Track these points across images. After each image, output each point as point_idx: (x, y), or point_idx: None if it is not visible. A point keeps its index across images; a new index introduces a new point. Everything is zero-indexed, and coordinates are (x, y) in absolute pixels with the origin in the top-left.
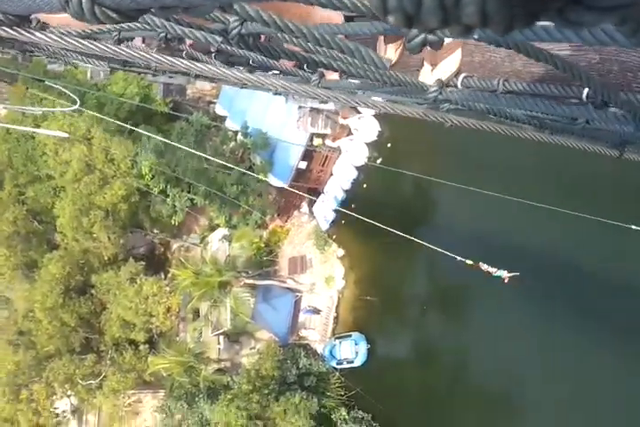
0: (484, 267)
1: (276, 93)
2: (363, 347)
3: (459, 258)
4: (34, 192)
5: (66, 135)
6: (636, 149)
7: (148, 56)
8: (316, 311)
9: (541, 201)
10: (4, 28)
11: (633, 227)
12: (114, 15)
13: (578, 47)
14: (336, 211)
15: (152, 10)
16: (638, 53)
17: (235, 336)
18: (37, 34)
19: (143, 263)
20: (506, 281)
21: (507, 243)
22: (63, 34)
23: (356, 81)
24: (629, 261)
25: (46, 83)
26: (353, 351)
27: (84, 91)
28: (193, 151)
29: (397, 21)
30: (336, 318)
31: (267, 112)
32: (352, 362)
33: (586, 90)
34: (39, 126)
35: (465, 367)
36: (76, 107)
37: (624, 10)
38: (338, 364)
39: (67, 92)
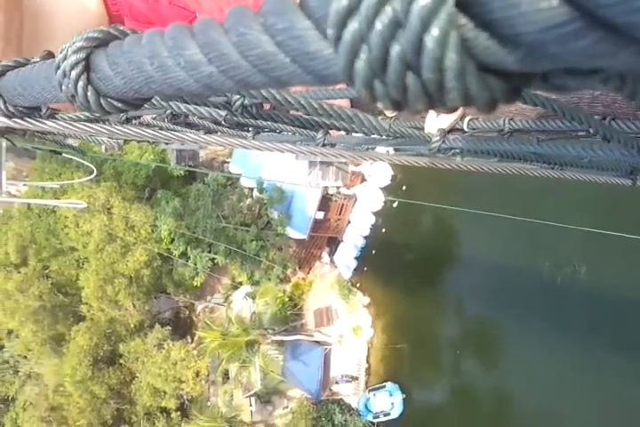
0: None
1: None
2: (398, 397)
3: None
4: (57, 265)
5: (84, 205)
6: None
7: (157, 134)
8: (352, 379)
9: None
10: (15, 119)
11: None
12: (119, 105)
13: None
14: (357, 258)
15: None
16: None
17: (266, 397)
18: (48, 122)
19: (169, 328)
20: None
21: (536, 273)
22: (72, 119)
23: (361, 135)
24: None
25: (64, 155)
26: (389, 403)
27: (101, 161)
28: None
29: (386, 107)
30: (368, 369)
31: (280, 166)
32: (389, 414)
33: None
34: (59, 200)
35: (505, 410)
36: (94, 175)
37: (604, 73)
38: (374, 418)
39: (84, 162)
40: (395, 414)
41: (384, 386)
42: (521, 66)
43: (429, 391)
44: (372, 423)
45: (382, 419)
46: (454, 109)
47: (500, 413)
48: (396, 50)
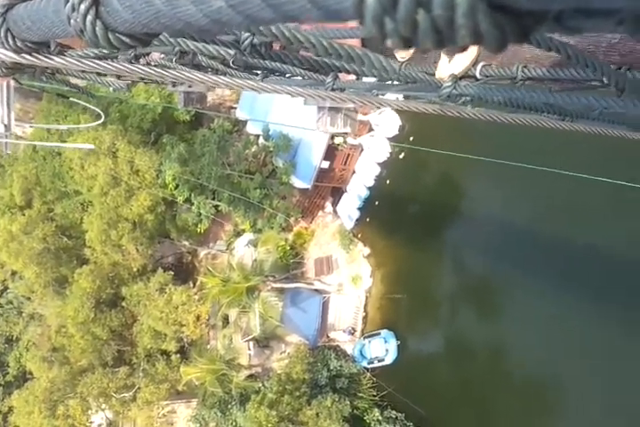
0: None
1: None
2: (393, 344)
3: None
4: (62, 208)
5: (91, 147)
6: None
7: (164, 73)
8: (354, 331)
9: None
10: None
11: None
12: (127, 40)
13: None
14: (360, 209)
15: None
16: None
17: (265, 341)
18: (56, 58)
19: (172, 273)
20: None
21: (536, 223)
22: (81, 56)
23: (371, 79)
24: None
25: (70, 99)
26: (383, 349)
27: (107, 104)
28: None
29: (395, 44)
30: (365, 318)
31: (287, 114)
32: (383, 360)
33: None
34: (65, 142)
35: (499, 361)
36: (101, 121)
37: (619, 14)
38: (369, 363)
39: (91, 106)
40: (389, 360)
41: (379, 333)
42: (531, 3)
43: (424, 341)
44: (367, 369)
45: (376, 365)
46: (464, 49)
47: (493, 363)
48: None
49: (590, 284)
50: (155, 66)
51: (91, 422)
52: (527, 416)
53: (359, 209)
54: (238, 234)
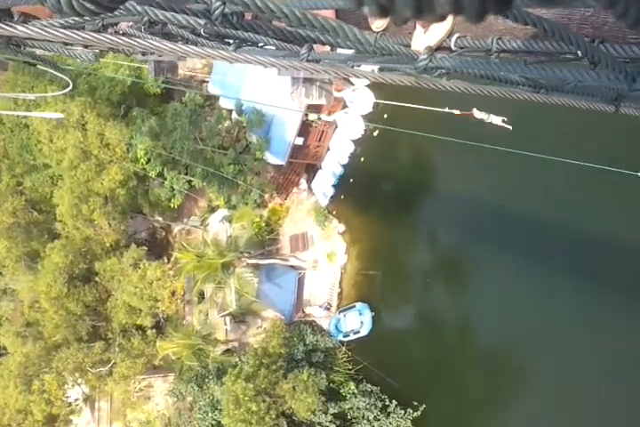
0: (477, 114)
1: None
2: (367, 315)
3: (447, 110)
4: (31, 182)
5: (60, 116)
6: (632, 103)
7: (133, 42)
8: (330, 306)
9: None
10: None
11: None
12: (92, 7)
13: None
14: (335, 186)
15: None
16: None
17: (241, 317)
18: (19, 27)
19: (145, 248)
20: (500, 123)
21: (506, 202)
22: (45, 26)
23: (347, 51)
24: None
25: (38, 67)
26: (358, 322)
27: (74, 76)
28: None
29: (372, 12)
30: (340, 294)
31: (260, 87)
32: (359, 332)
33: None
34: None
35: (469, 334)
36: (70, 88)
37: None
38: (345, 336)
39: (59, 75)
40: (364, 331)
41: (354, 306)
42: None
43: (398, 315)
44: (342, 344)
45: (352, 337)
46: (442, 18)
47: (464, 336)
48: None
49: (557, 260)
50: (123, 35)
51: (67, 397)
52: (496, 388)
53: (334, 186)
54: (212, 210)
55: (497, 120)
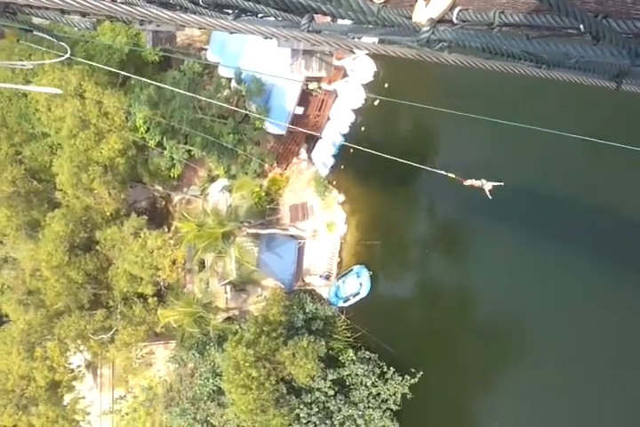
0: (468, 182)
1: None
2: (365, 276)
3: (442, 172)
4: (31, 151)
5: (59, 91)
6: (635, 79)
7: (132, 10)
8: (330, 275)
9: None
10: None
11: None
12: None
13: None
14: (335, 156)
15: None
16: None
17: (241, 285)
18: None
19: (145, 217)
20: (489, 195)
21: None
22: None
23: (348, 22)
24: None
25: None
26: (357, 284)
27: (73, 41)
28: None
29: None
30: (339, 264)
31: (260, 56)
32: (358, 293)
33: None
34: (30, 82)
35: (468, 303)
36: (68, 55)
37: None
38: (345, 301)
39: (56, 41)
40: (364, 292)
41: (351, 269)
42: None
43: (396, 283)
44: (341, 311)
45: (352, 301)
46: None
47: (460, 306)
48: None
49: (553, 230)
50: (122, 3)
51: (69, 364)
52: (495, 356)
53: (334, 156)
54: (212, 179)
55: (488, 186)
